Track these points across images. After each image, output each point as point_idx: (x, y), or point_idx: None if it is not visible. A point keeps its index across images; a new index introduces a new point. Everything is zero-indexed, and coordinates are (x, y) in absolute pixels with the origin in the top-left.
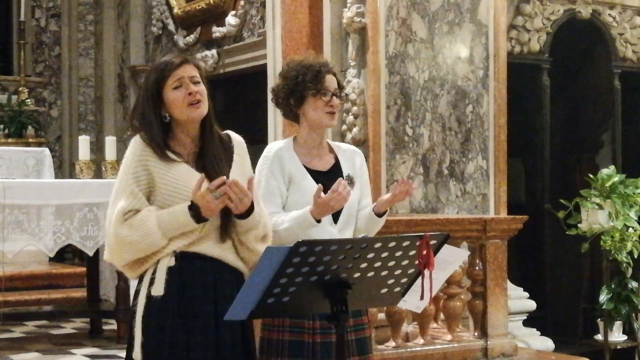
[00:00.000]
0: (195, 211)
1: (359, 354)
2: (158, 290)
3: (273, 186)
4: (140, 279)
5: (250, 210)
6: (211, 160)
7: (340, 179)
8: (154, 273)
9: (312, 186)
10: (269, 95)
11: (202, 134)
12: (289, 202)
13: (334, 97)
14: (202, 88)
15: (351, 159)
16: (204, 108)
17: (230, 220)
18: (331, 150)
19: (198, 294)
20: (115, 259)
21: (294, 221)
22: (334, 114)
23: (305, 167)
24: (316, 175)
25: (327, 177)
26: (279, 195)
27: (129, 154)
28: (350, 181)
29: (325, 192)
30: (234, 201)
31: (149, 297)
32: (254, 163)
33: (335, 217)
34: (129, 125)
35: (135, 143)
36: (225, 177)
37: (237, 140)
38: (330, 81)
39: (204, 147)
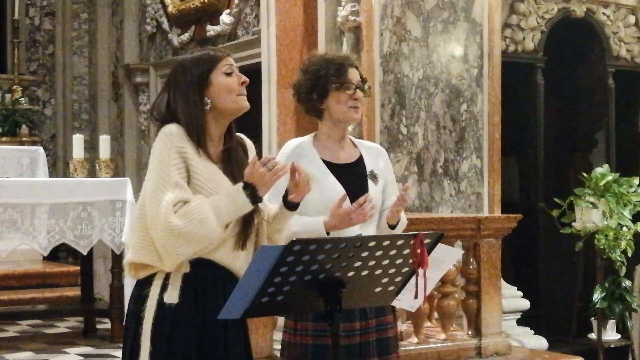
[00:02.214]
0: (251, 190)
1: (379, 354)
2: (172, 298)
3: (283, 184)
4: (148, 283)
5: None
6: (238, 166)
7: (368, 194)
8: (166, 279)
9: (332, 182)
10: (264, 94)
11: (227, 134)
12: (308, 199)
13: (358, 90)
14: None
15: (375, 156)
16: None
17: (251, 227)
18: (354, 145)
19: (210, 304)
20: (169, 256)
21: (304, 227)
22: (358, 108)
23: (326, 161)
24: (339, 168)
25: (349, 170)
26: None
27: (163, 145)
28: (374, 177)
29: (346, 186)
30: (302, 184)
31: (161, 304)
32: None
33: None
34: (155, 114)
35: (171, 134)
36: (273, 156)
37: (250, 143)
38: (354, 74)
39: (230, 150)
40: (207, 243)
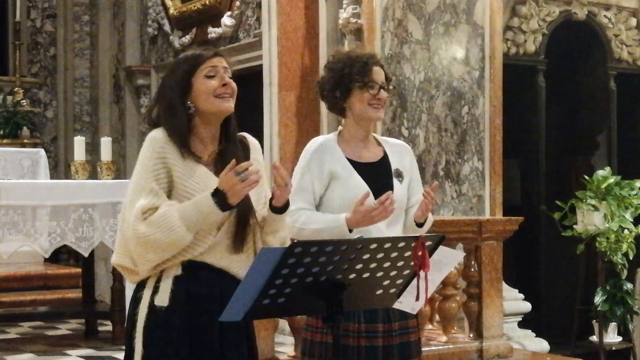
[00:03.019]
0: (220, 198)
1: (401, 358)
2: (163, 300)
3: (306, 181)
4: (141, 285)
5: (287, 204)
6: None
7: (390, 192)
8: (158, 281)
9: (357, 180)
10: (265, 96)
11: (223, 134)
12: (333, 197)
13: (382, 90)
14: (234, 84)
15: (400, 154)
16: (232, 103)
17: (247, 230)
18: (379, 144)
19: (204, 306)
20: (140, 261)
21: (326, 224)
22: (381, 108)
23: (350, 160)
24: (363, 167)
25: (374, 169)
26: (311, 192)
27: (146, 150)
28: (399, 175)
29: (371, 185)
30: (279, 185)
31: (152, 306)
32: None
33: None
34: (147, 119)
35: (154, 139)
36: (251, 162)
37: (254, 143)
38: (378, 73)
39: (225, 149)
40: (178, 249)
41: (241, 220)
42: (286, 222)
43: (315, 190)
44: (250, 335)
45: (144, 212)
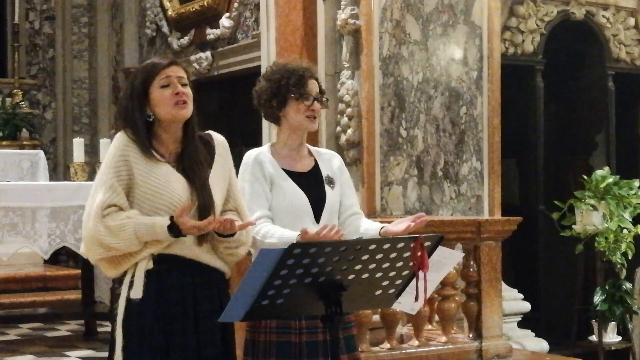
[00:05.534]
0: (175, 230)
1: (347, 352)
2: (137, 293)
3: (258, 189)
4: (120, 281)
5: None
6: (192, 161)
7: (335, 225)
8: (132, 276)
9: (293, 188)
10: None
11: (184, 136)
12: (274, 205)
13: (316, 102)
14: (188, 90)
15: (329, 161)
16: (189, 110)
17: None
18: (311, 154)
19: (176, 295)
20: (90, 254)
21: (281, 241)
22: (315, 118)
23: (285, 170)
24: (297, 176)
25: (307, 178)
26: (265, 198)
27: (112, 148)
28: (330, 182)
29: (306, 193)
30: (218, 228)
31: (129, 300)
32: (236, 164)
33: (317, 216)
34: (114, 124)
35: (119, 138)
36: (212, 218)
37: (219, 140)
38: (313, 86)
39: (185, 149)
40: (126, 252)
41: (203, 214)
42: (239, 239)
43: (267, 196)
44: (226, 325)
45: (103, 208)
